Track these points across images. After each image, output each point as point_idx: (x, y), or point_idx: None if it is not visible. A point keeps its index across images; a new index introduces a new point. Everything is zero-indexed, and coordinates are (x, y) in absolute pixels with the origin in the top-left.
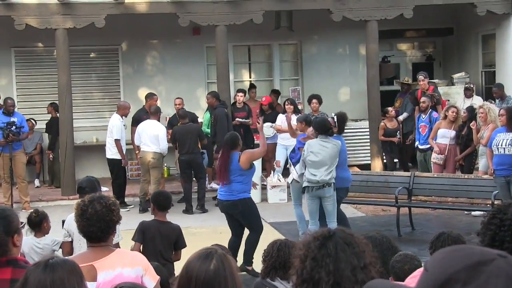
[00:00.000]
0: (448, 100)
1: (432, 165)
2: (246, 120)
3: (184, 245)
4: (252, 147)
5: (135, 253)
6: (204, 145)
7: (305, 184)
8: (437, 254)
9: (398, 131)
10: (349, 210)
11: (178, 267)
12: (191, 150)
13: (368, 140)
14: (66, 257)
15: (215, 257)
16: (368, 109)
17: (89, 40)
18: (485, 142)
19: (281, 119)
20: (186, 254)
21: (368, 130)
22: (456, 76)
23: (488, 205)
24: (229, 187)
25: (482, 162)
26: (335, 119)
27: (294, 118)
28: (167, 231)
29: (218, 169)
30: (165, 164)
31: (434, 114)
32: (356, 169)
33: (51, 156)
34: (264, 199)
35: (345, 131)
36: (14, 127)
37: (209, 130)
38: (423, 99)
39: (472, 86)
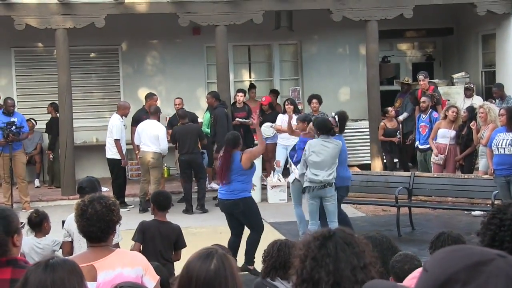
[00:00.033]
0: (448, 100)
1: (432, 165)
2: (246, 120)
3: (184, 245)
4: (252, 147)
5: (135, 253)
6: (204, 145)
7: (306, 184)
8: (436, 254)
9: (398, 131)
10: (349, 210)
11: (178, 267)
12: (191, 150)
13: (368, 140)
14: (66, 257)
15: (215, 257)
16: (368, 109)
17: (89, 40)
18: (485, 142)
19: (281, 119)
20: (186, 254)
21: (368, 130)
22: (456, 76)
23: (488, 205)
24: (230, 187)
25: (482, 162)
26: (336, 119)
27: (294, 118)
28: (167, 231)
29: (220, 168)
30: (165, 164)
31: (434, 114)
32: (356, 169)
33: (51, 156)
34: (264, 199)
35: (345, 131)
36: (14, 127)
37: (209, 130)
38: (423, 99)
39: (472, 86)
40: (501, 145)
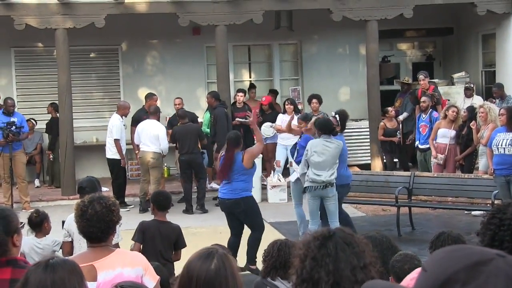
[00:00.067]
0: (448, 100)
1: (432, 164)
2: (246, 120)
3: (184, 245)
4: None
5: (135, 253)
6: (204, 145)
7: (307, 184)
8: (435, 254)
9: (398, 131)
10: (349, 210)
11: (178, 267)
12: (191, 150)
13: (368, 140)
14: (67, 257)
15: (216, 257)
16: (368, 109)
17: (89, 40)
18: (485, 142)
19: (281, 119)
20: (186, 254)
21: (368, 130)
22: (456, 75)
23: (488, 205)
24: (231, 186)
25: (482, 162)
26: (337, 118)
27: (295, 118)
28: (167, 231)
29: (222, 166)
30: (165, 164)
31: (435, 113)
32: (356, 169)
33: (51, 156)
34: (264, 199)
35: (345, 131)
36: (14, 127)
37: (209, 130)
38: (423, 98)
39: (472, 85)
40: (501, 145)
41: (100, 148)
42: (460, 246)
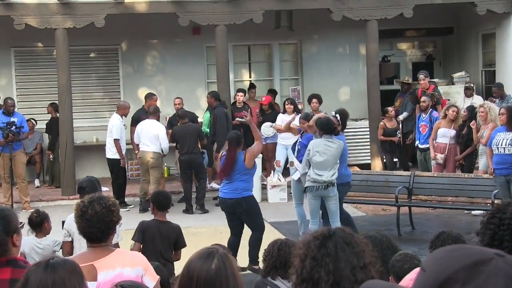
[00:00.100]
0: (448, 100)
1: (432, 164)
2: (244, 120)
3: (184, 245)
4: None
5: (135, 253)
6: (204, 145)
7: (308, 184)
8: (434, 254)
9: (398, 131)
10: (349, 210)
11: (178, 267)
12: (191, 150)
13: (368, 140)
14: (67, 257)
15: (216, 257)
16: (368, 109)
17: (89, 40)
18: (485, 142)
19: (281, 118)
20: (186, 254)
21: (368, 129)
22: (456, 75)
23: (488, 204)
24: (232, 185)
25: (482, 162)
26: (338, 117)
27: (297, 119)
28: (167, 231)
29: (224, 166)
30: (165, 164)
31: (435, 113)
32: (356, 169)
33: (51, 156)
34: (264, 198)
35: (345, 130)
36: (14, 127)
37: (209, 130)
38: (423, 98)
39: (472, 85)
40: (501, 145)
41: (100, 148)
42: (459, 246)
